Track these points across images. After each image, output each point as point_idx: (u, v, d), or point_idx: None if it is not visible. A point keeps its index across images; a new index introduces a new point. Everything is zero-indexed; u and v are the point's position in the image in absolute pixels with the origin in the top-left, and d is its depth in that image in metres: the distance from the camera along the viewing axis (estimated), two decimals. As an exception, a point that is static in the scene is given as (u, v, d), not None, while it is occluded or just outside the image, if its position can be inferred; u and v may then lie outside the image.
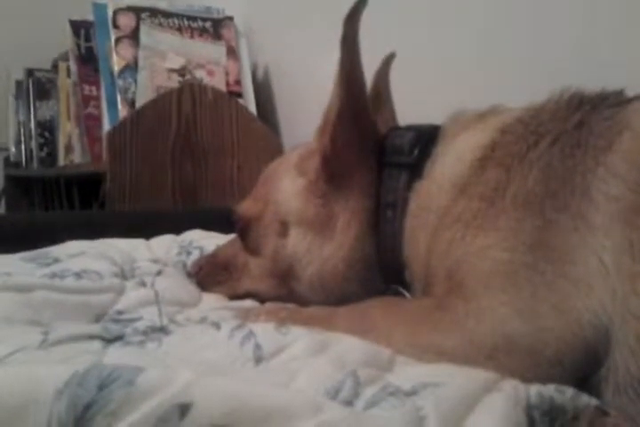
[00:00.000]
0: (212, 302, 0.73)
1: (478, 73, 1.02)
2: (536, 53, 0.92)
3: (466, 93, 0.96)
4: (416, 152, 0.65)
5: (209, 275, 0.80)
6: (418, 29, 1.15)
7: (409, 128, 0.71)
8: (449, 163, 0.61)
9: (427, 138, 0.66)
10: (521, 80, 0.93)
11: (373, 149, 0.68)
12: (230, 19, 1.63)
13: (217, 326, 0.53)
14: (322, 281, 0.69)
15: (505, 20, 0.98)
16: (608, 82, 0.57)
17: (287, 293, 0.73)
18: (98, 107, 1.61)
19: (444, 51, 1.10)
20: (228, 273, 0.79)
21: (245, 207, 0.78)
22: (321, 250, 0.69)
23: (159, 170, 1.42)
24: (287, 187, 0.73)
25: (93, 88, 1.63)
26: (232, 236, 0.84)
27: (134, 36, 1.49)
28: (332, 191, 0.69)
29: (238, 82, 1.58)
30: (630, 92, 0.57)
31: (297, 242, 0.70)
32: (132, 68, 1.47)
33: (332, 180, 0.68)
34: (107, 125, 1.47)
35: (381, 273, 0.68)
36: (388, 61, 0.81)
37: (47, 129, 2.34)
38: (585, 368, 0.46)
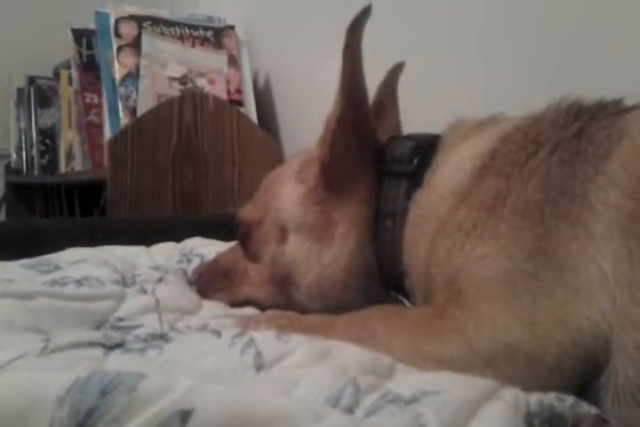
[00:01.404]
0: (212, 310, 0.73)
1: (478, 80, 1.03)
2: (537, 58, 0.92)
3: (465, 101, 0.97)
4: (415, 161, 0.66)
5: (209, 282, 0.79)
6: (419, 36, 1.16)
7: (409, 137, 0.71)
8: (449, 172, 0.62)
9: (426, 147, 0.66)
10: (521, 86, 0.94)
11: (373, 157, 0.68)
12: (232, 28, 1.64)
13: (217, 333, 0.53)
14: (320, 289, 0.69)
15: (506, 26, 0.99)
16: (608, 83, 0.57)
17: (286, 300, 0.73)
18: (99, 114, 1.62)
19: (444, 58, 1.11)
20: (229, 280, 0.79)
21: (246, 213, 0.78)
22: (319, 257, 0.69)
23: (160, 177, 1.43)
24: (287, 193, 0.73)
25: (95, 96, 1.63)
26: (233, 243, 0.85)
27: (136, 44, 1.50)
28: (331, 198, 0.69)
29: (239, 90, 1.59)
30: (630, 94, 0.56)
31: (296, 249, 0.70)
32: (133, 76, 1.48)
33: (331, 187, 0.68)
34: (108, 133, 1.48)
35: (381, 281, 0.67)
36: (395, 70, 0.80)
37: (48, 136, 2.35)
38: (585, 376, 0.46)
